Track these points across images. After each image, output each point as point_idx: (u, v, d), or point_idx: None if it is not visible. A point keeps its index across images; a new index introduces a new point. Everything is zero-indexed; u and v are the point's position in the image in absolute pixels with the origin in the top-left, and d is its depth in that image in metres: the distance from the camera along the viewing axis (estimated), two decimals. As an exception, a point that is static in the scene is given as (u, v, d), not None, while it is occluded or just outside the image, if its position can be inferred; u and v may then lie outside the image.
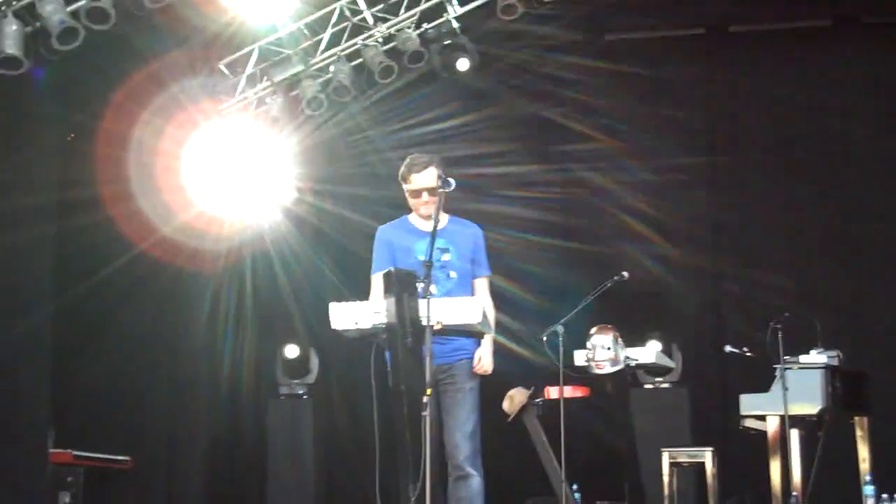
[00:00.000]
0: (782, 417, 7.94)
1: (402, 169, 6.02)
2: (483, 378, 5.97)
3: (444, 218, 5.98)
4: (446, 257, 5.88)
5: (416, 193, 5.92)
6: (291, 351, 10.63)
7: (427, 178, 5.90)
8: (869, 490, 7.75)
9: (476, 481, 5.67)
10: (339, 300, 5.51)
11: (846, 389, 8.17)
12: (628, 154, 10.54)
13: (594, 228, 10.61)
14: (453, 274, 5.87)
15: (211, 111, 9.89)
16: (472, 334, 5.60)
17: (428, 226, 5.86)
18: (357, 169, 10.71)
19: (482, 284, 6.04)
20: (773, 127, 10.52)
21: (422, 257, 5.70)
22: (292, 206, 10.49)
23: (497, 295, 6.26)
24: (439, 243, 5.77)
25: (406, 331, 5.25)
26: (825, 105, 10.24)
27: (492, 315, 5.93)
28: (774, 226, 10.32)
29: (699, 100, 10.67)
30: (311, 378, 10.61)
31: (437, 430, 5.57)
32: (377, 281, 5.78)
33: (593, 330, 8.64)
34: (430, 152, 6.16)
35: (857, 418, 8.39)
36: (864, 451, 8.33)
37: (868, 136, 10.19)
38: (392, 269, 5.34)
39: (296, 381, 10.59)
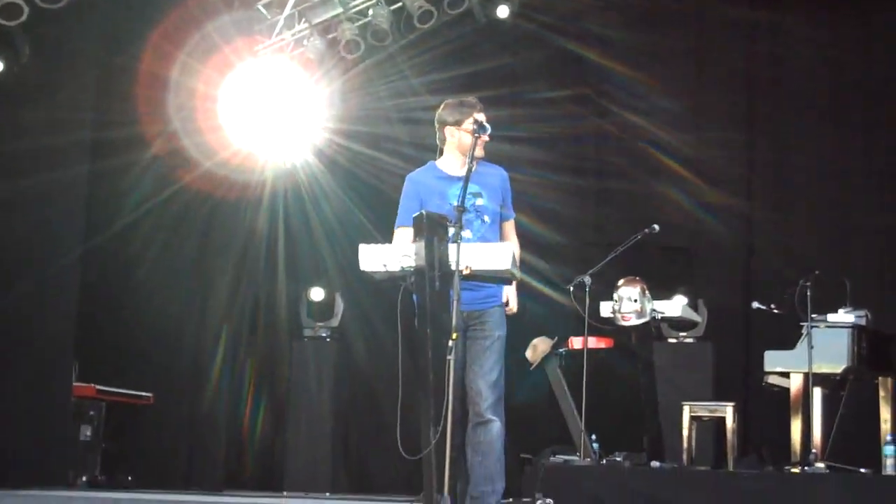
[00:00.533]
0: (806, 375, 7.94)
1: (460, 108, 5.90)
2: (508, 326, 5.96)
3: (474, 162, 5.92)
4: (480, 202, 5.81)
5: (480, 131, 5.77)
6: (317, 294, 10.67)
7: (483, 118, 5.87)
8: (889, 450, 7.72)
9: (496, 426, 5.64)
10: (368, 242, 5.51)
11: (872, 350, 8.14)
12: (667, 95, 10.45)
13: (629, 170, 10.53)
14: (487, 218, 5.82)
15: (246, 51, 9.89)
16: (501, 280, 5.59)
17: (457, 171, 5.84)
18: (391, 111, 10.69)
19: (511, 227, 6.00)
20: (817, 71, 10.28)
21: (455, 202, 5.63)
22: (325, 146, 10.50)
23: (529, 238, 6.19)
24: (472, 188, 5.70)
25: (434, 274, 5.26)
26: (871, 49, 10.01)
27: (518, 256, 5.88)
28: (808, 181, 10.14)
29: (741, 42, 10.51)
30: (336, 322, 10.65)
31: (462, 375, 5.60)
32: (401, 235, 5.74)
33: (620, 282, 8.65)
34: (467, 95, 6.08)
35: (881, 379, 8.35)
36: (886, 412, 8.31)
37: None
38: (423, 212, 5.31)
39: (320, 323, 10.63)
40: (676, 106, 10.45)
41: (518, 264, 5.78)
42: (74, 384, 9.46)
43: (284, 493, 10.09)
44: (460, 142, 5.87)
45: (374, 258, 5.43)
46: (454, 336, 5.17)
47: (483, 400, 5.62)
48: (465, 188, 5.46)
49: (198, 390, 10.52)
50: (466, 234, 5.61)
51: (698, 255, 10.23)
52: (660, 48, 10.53)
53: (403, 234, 5.69)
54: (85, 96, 9.06)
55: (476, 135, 5.73)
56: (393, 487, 9.89)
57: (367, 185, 10.66)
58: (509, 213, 5.97)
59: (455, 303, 5.22)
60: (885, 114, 9.96)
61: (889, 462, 7.69)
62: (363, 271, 5.47)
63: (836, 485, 7.26)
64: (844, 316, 8.12)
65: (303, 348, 10.62)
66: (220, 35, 9.63)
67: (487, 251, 5.39)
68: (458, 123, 5.89)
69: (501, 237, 5.90)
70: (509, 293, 5.90)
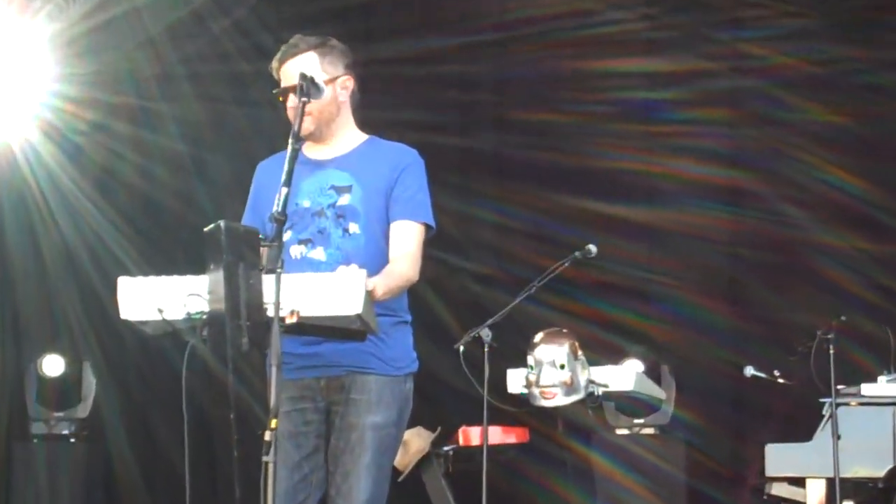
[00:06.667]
0: (831, 481, 8.04)
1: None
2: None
3: (357, 138, 5.79)
4: (344, 200, 5.58)
5: (281, 94, 5.63)
6: (53, 365, 10.53)
7: (299, 69, 5.67)
8: None
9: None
10: (130, 273, 5.41)
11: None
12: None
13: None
14: (355, 228, 5.63)
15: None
16: (348, 334, 5.48)
17: (325, 153, 5.69)
18: (142, 68, 10.76)
19: (403, 230, 5.61)
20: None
21: (307, 203, 5.56)
22: (57, 121, 10.38)
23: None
24: (339, 179, 5.60)
25: (241, 324, 5.16)
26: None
27: (406, 272, 5.56)
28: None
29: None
30: (85, 409, 10.55)
31: (293, 480, 5.60)
32: None
33: (538, 337, 8.65)
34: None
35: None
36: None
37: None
38: (221, 223, 5.16)
39: (59, 413, 10.51)
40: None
41: (395, 289, 5.54)
42: None
43: None
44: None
45: (143, 300, 5.30)
46: (273, 424, 5.08)
47: None
48: (287, 186, 5.25)
49: None
50: (316, 253, 5.56)
51: (653, 296, 10.36)
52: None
53: None
54: None
55: (291, 100, 5.58)
56: None
57: (123, 181, 10.61)
58: (398, 214, 5.65)
59: (274, 370, 5.12)
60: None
61: None
62: (125, 321, 5.37)
63: None
64: (889, 386, 8.22)
65: (30, 454, 10.51)
66: None
67: (327, 285, 5.26)
68: None
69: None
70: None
